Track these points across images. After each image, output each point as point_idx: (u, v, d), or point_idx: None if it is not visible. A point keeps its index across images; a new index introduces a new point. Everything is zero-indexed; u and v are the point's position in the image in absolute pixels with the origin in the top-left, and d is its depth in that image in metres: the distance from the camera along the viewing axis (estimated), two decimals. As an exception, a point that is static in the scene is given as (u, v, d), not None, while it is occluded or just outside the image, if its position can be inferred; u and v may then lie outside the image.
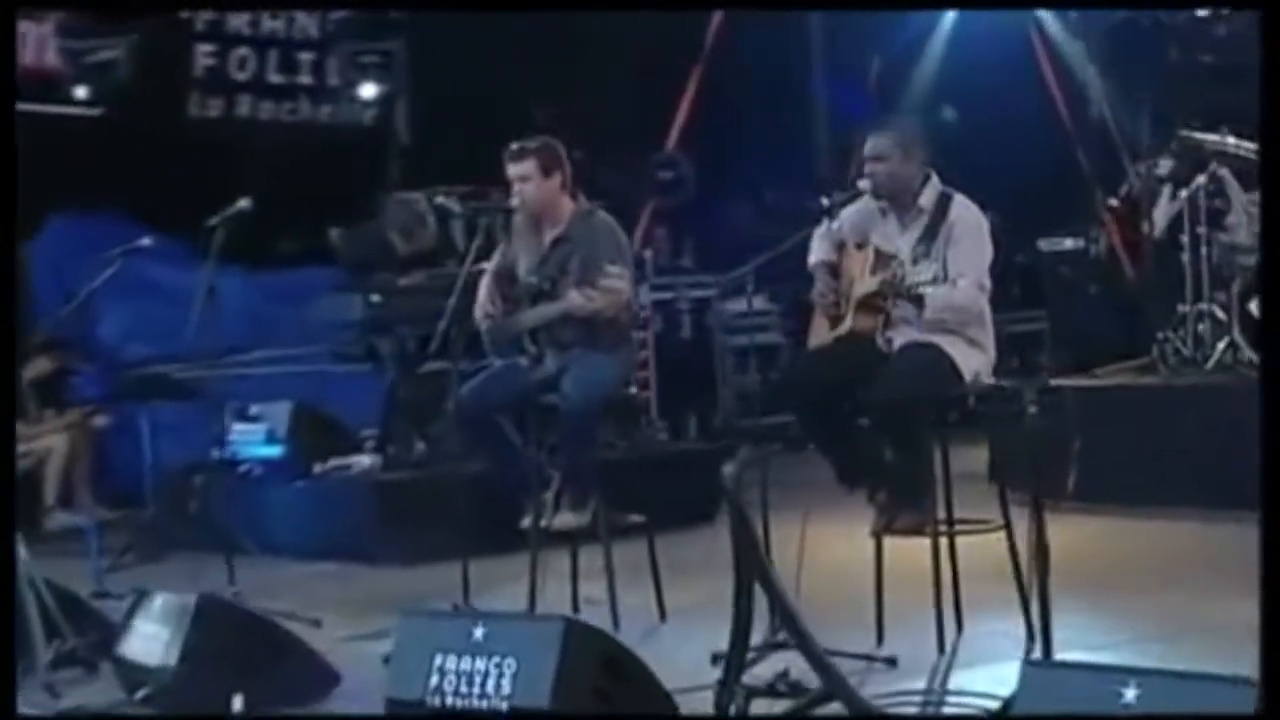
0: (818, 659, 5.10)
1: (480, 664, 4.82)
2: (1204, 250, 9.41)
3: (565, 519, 6.87)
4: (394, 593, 7.86)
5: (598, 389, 6.83)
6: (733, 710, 5.17)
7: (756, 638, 5.37)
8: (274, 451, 9.78)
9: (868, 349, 6.24)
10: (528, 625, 5.25)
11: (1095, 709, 3.86)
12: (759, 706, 5.24)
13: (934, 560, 5.94)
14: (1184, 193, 9.59)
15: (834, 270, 6.43)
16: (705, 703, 5.26)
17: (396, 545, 8.84)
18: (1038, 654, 5.30)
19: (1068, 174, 13.63)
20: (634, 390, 7.69)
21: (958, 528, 6.13)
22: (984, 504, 6.71)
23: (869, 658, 5.83)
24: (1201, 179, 9.39)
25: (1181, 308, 9.56)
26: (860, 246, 6.37)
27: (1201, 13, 11.48)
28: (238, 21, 13.08)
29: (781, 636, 5.53)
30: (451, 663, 4.87)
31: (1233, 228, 9.32)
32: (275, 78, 13.29)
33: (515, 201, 7.01)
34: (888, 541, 6.24)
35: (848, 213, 6.45)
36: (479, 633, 4.86)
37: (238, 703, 5.41)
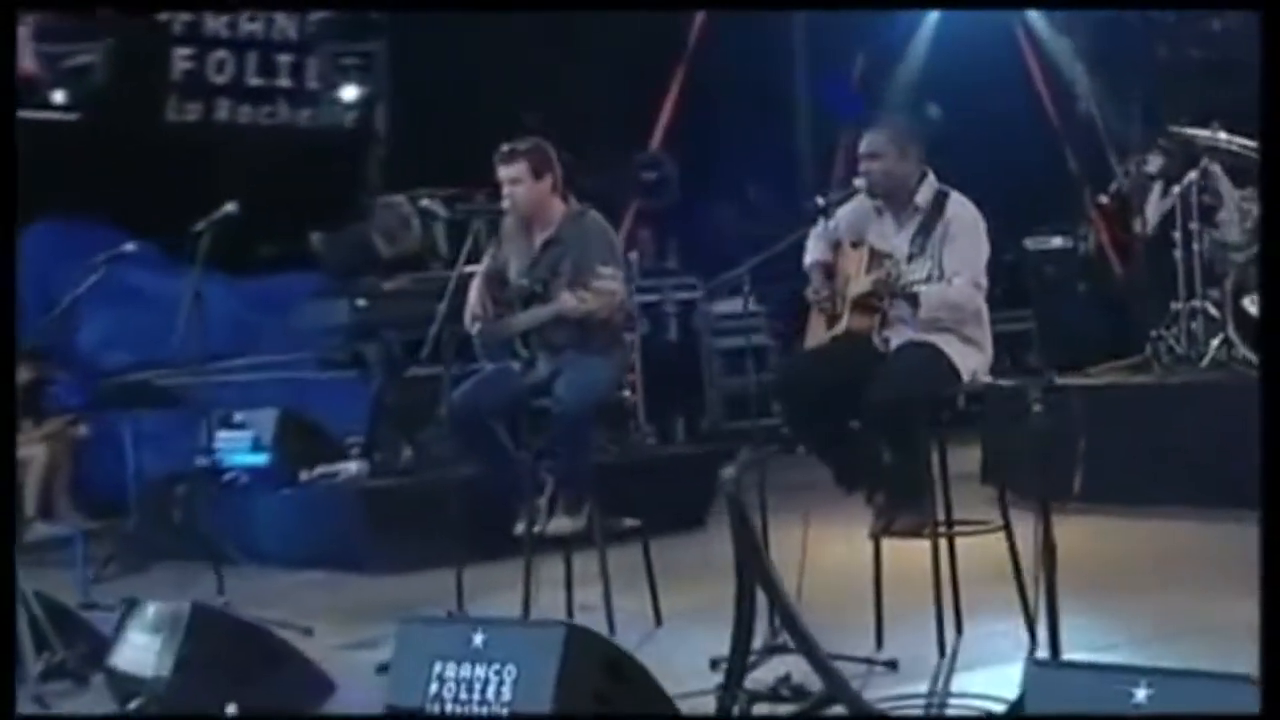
0: (820, 662, 5.06)
1: (480, 671, 4.77)
2: (1196, 247, 9.39)
3: (560, 524, 6.83)
4: (383, 601, 7.81)
5: (591, 392, 6.78)
6: (735, 712, 5.12)
7: (756, 641, 5.34)
8: (259, 459, 9.72)
9: (864, 349, 6.20)
10: (528, 631, 5.21)
11: (1105, 709, 3.83)
12: (761, 710, 5.21)
13: (934, 562, 5.90)
14: (1176, 189, 9.56)
15: (830, 270, 6.38)
16: (705, 708, 5.23)
17: (384, 553, 8.77)
18: (1038, 655, 5.26)
19: (1055, 172, 13.63)
20: (627, 393, 7.62)
21: (957, 529, 6.09)
22: (975, 505, 6.70)
23: (869, 661, 5.80)
24: (1193, 175, 9.37)
25: (1174, 305, 9.55)
26: (856, 245, 6.33)
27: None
28: (215, 24, 12.97)
29: (782, 640, 5.49)
30: (451, 670, 4.81)
31: (1224, 224, 9.30)
32: (254, 80, 13.18)
33: (506, 204, 6.95)
34: (885, 543, 6.19)
35: (843, 212, 6.41)
36: (479, 639, 4.81)
37: (231, 710, 5.38)
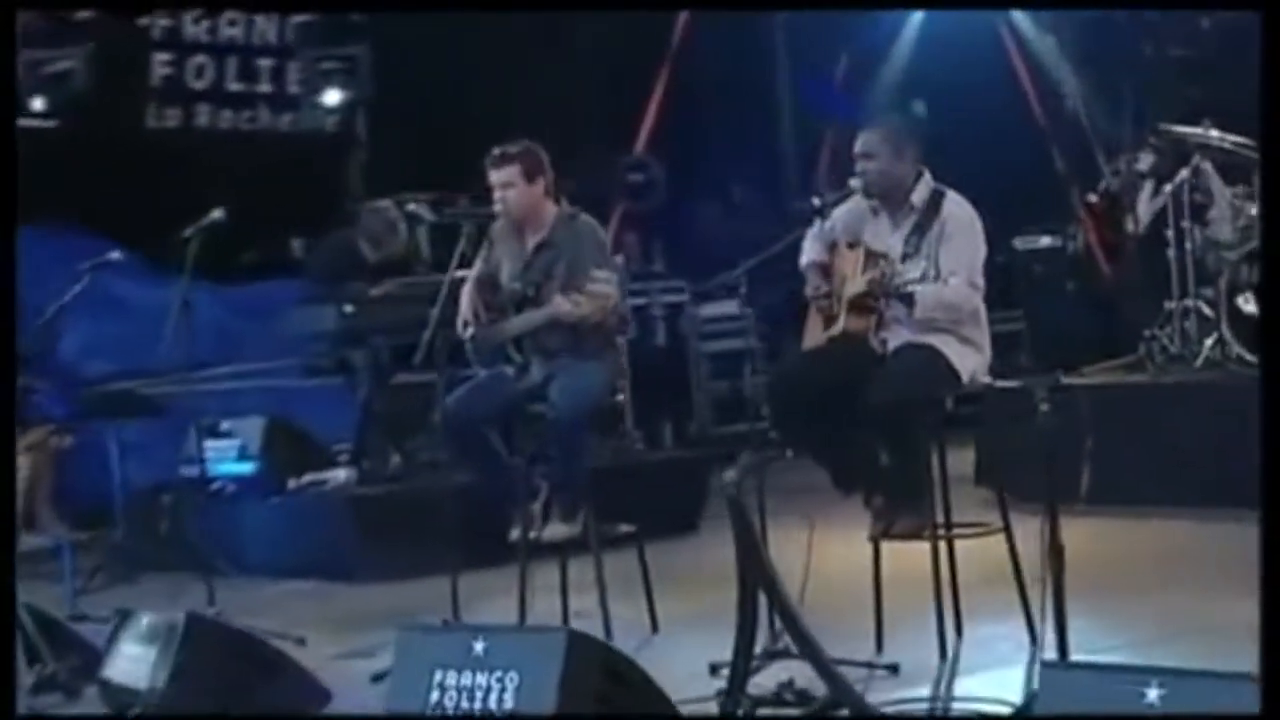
0: (824, 667, 5.03)
1: (481, 678, 4.72)
2: (1188, 245, 9.37)
3: (556, 530, 6.78)
4: (374, 609, 7.77)
5: (586, 397, 6.73)
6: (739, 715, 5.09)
7: (757, 646, 5.29)
8: (246, 468, 9.65)
9: (862, 350, 6.16)
10: (529, 638, 5.14)
11: (1118, 710, 3.81)
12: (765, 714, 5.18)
13: (934, 565, 5.86)
14: (1167, 188, 9.53)
15: (826, 270, 6.34)
16: (705, 713, 5.19)
17: (374, 561, 8.70)
18: (1041, 657, 5.21)
19: (1042, 171, 13.62)
20: (621, 398, 7.57)
21: (956, 531, 6.04)
22: (968, 507, 6.66)
23: (871, 665, 5.77)
24: (1184, 173, 9.34)
25: (1168, 304, 9.53)
26: (852, 246, 6.29)
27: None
28: (195, 29, 12.86)
29: (783, 644, 5.45)
30: (451, 678, 4.76)
31: (1216, 222, 9.27)
32: (234, 85, 13.07)
33: (498, 208, 6.90)
34: (884, 546, 6.15)
35: (839, 212, 6.37)
36: (479, 647, 4.76)
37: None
